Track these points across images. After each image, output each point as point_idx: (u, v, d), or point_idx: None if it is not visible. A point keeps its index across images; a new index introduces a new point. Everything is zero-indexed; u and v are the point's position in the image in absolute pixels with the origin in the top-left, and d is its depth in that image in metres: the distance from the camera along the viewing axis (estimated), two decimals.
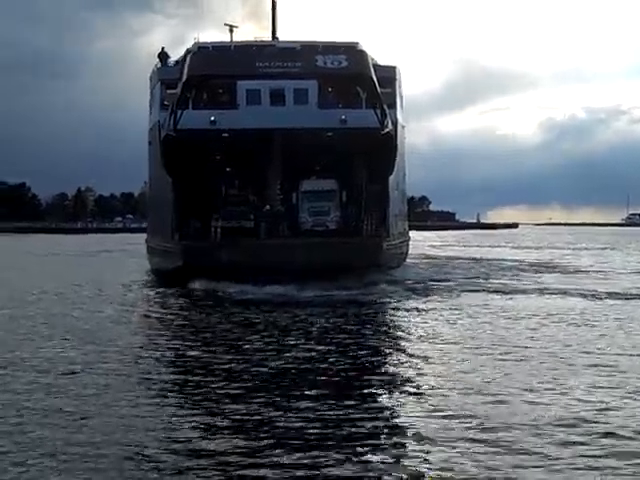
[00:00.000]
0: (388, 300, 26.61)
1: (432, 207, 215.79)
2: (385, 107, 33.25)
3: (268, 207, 34.44)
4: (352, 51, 31.80)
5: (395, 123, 35.75)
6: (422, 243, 71.82)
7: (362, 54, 31.91)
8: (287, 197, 36.12)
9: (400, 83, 39.70)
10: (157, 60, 40.76)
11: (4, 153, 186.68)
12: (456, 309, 23.87)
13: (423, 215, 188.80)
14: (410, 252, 44.51)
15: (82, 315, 23.34)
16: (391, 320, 22.98)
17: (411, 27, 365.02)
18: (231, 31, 40.24)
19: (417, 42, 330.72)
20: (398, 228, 38.02)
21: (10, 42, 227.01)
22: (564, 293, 28.52)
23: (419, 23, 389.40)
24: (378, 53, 37.34)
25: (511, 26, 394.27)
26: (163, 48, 41.42)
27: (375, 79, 31.73)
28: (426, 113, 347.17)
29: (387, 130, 33.54)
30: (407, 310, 24.23)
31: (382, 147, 33.82)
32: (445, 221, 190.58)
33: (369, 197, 35.38)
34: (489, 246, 79.37)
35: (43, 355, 16.21)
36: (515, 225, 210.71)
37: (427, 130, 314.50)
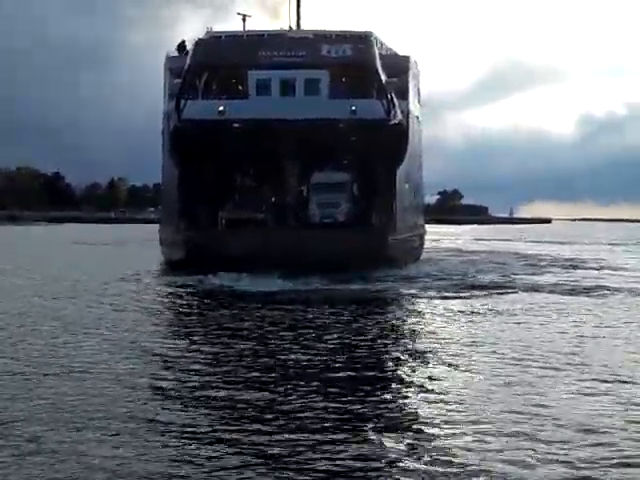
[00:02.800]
0: (391, 297, 25.90)
1: (464, 201, 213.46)
2: (393, 97, 32.66)
3: (274, 199, 34.18)
4: (359, 40, 31.30)
5: (407, 114, 35.15)
6: (445, 238, 70.87)
7: (368, 43, 31.38)
8: (301, 189, 35.84)
9: (416, 74, 39.01)
10: (171, 50, 40.75)
11: (39, 143, 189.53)
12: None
13: (453, 209, 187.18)
14: (428, 247, 43.65)
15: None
16: (388, 321, 21.31)
17: (446, 19, 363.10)
18: (244, 20, 40.02)
19: (452, 35, 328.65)
20: (407, 221, 37.34)
21: (45, 33, 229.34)
22: None
23: (454, 15, 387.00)
24: (403, 44, 36.57)
25: (549, 18, 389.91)
26: (184, 40, 41.38)
27: (380, 69, 31.20)
28: (461, 106, 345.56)
29: (395, 121, 32.97)
30: (414, 311, 23.05)
31: (391, 138, 33.24)
32: (477, 215, 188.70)
33: (379, 189, 34.86)
34: (514, 240, 78.20)
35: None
36: (548, 220, 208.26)
37: (462, 123, 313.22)
